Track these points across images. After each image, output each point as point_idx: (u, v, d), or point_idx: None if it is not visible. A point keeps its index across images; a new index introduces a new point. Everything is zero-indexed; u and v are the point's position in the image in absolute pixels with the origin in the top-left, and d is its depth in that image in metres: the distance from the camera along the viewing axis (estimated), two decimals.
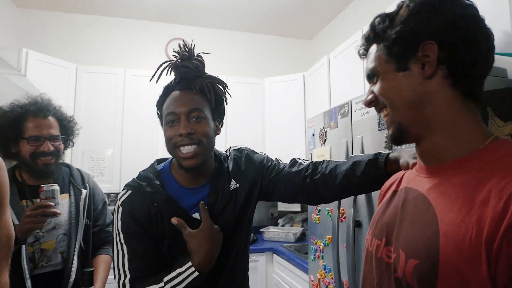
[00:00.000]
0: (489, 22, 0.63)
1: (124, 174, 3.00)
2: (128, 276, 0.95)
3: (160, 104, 1.06)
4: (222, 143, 3.21)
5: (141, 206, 0.99)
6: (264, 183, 1.13)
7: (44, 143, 1.38)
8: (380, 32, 0.68)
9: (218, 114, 1.09)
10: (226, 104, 1.12)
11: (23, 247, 1.30)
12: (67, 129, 1.50)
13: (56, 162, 1.44)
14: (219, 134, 1.10)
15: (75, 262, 1.40)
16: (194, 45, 1.05)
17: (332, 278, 1.67)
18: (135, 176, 1.07)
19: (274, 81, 3.42)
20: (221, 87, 1.08)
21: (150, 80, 1.06)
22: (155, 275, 0.95)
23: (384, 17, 0.68)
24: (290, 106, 3.31)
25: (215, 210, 1.04)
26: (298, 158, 1.16)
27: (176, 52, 1.03)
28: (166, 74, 1.05)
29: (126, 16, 3.48)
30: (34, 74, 2.66)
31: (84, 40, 3.39)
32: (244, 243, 1.12)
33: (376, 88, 0.69)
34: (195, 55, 1.04)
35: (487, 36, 0.61)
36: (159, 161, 1.15)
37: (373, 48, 0.70)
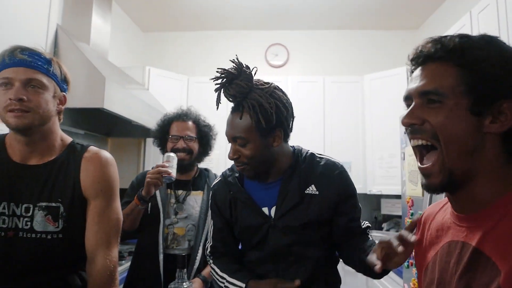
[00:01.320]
0: None
1: None
2: (211, 243, 1.25)
3: None
4: (321, 145, 3.21)
5: (222, 191, 1.21)
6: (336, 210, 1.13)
7: (180, 141, 1.67)
8: (471, 58, 0.59)
9: (270, 127, 1.06)
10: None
11: (160, 228, 1.57)
12: (202, 132, 1.75)
13: (190, 159, 1.68)
14: (278, 144, 1.10)
15: (200, 251, 1.61)
16: (247, 67, 1.07)
17: None
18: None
19: (374, 78, 3.26)
20: (269, 101, 1.05)
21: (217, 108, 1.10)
22: (228, 262, 1.19)
23: (477, 43, 0.60)
24: (392, 102, 3.10)
25: (283, 209, 1.10)
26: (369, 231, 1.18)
27: (224, 70, 1.06)
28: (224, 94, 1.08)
29: (228, 28, 3.79)
30: (155, 87, 3.14)
31: (193, 54, 3.83)
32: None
33: (435, 117, 0.61)
34: (243, 69, 1.06)
35: None
36: None
37: (447, 68, 0.61)
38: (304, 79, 3.43)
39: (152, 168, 1.59)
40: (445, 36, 0.63)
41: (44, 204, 0.99)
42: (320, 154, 1.19)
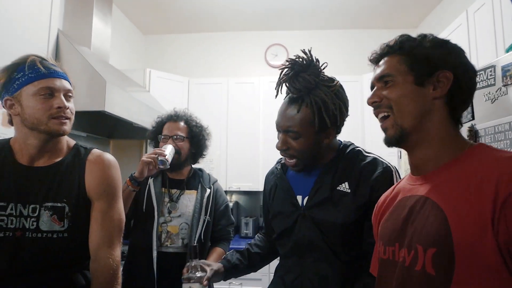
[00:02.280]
0: None
1: (230, 173, 3.29)
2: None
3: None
4: None
5: (270, 176, 1.30)
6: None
7: (169, 140, 1.70)
8: (407, 47, 0.79)
9: (325, 125, 1.05)
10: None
11: (155, 225, 1.60)
12: (193, 133, 1.78)
13: (179, 158, 1.70)
14: (329, 140, 1.10)
15: None
16: (318, 61, 1.06)
17: None
18: None
19: None
20: (335, 102, 1.05)
21: (276, 96, 1.12)
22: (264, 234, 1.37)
23: (412, 37, 0.81)
24: None
25: (313, 201, 1.10)
26: None
27: (297, 56, 1.05)
28: (280, 87, 1.09)
29: (227, 30, 3.81)
30: (155, 89, 3.17)
31: (194, 55, 3.86)
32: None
33: (388, 92, 0.79)
34: (313, 60, 1.05)
35: (475, 83, 0.78)
36: None
37: (393, 57, 0.80)
38: None
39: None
40: (394, 38, 0.84)
41: (50, 204, 1.02)
42: (369, 152, 1.13)
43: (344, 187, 1.06)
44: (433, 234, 0.66)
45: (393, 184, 0.99)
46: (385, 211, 0.88)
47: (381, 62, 0.83)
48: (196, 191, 1.74)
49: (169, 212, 1.67)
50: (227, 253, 1.37)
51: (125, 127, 2.64)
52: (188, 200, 1.71)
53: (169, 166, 1.56)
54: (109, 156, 1.15)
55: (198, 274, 1.14)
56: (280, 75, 1.08)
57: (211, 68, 3.83)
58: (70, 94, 1.08)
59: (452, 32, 2.30)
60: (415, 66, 0.77)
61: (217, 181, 1.86)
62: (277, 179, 1.22)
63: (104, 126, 2.64)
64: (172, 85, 3.34)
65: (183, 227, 1.67)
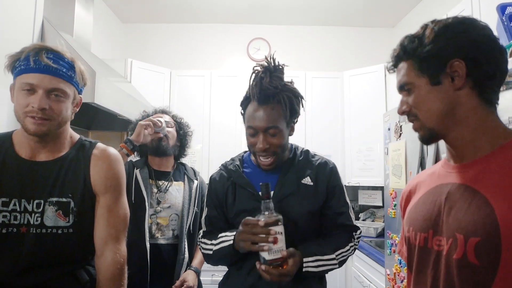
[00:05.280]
0: None
1: (212, 167, 3.28)
2: (204, 228, 1.30)
3: (244, 106, 1.22)
4: (302, 139, 3.30)
5: (221, 179, 1.28)
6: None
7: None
8: (410, 51, 0.78)
9: (292, 119, 1.22)
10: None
11: (146, 217, 1.59)
12: (180, 124, 1.84)
13: (167, 143, 1.72)
14: (292, 134, 1.24)
15: (185, 240, 1.66)
16: (281, 64, 1.16)
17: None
18: None
19: (353, 74, 3.37)
20: (297, 100, 1.18)
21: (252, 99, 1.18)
22: (215, 233, 1.24)
23: (412, 37, 0.79)
24: (370, 98, 3.24)
25: (280, 194, 1.18)
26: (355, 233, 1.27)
27: (260, 65, 1.15)
28: (254, 85, 1.15)
29: (210, 21, 3.77)
30: (137, 80, 3.10)
31: (176, 47, 3.79)
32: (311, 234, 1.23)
33: (411, 99, 0.79)
34: (278, 64, 1.16)
35: (502, 51, 0.73)
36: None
37: (403, 64, 0.80)
38: (286, 74, 3.46)
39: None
40: (397, 45, 0.83)
41: (55, 199, 1.00)
42: (314, 153, 1.31)
43: (307, 180, 1.21)
44: (476, 223, 0.65)
45: (340, 177, 1.27)
46: (410, 196, 0.89)
47: (397, 69, 0.84)
48: (182, 182, 1.76)
49: (158, 203, 1.67)
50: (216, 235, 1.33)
51: (106, 119, 2.57)
52: (177, 191, 1.72)
53: (165, 133, 1.62)
54: (114, 151, 1.14)
55: (275, 214, 1.04)
56: (252, 78, 1.15)
57: (193, 60, 3.78)
58: (58, 94, 0.99)
59: None
60: (423, 67, 0.76)
61: (200, 173, 1.91)
62: (235, 179, 1.24)
63: (84, 117, 2.55)
64: (153, 76, 3.28)
65: (173, 218, 1.68)
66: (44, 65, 0.97)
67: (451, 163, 0.80)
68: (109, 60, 2.95)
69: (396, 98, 2.97)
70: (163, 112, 1.83)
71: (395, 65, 0.84)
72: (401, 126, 1.78)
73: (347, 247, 1.21)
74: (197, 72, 3.45)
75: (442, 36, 0.73)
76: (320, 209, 1.23)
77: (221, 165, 1.34)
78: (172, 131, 1.75)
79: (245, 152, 1.35)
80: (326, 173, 1.24)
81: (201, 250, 1.28)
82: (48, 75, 0.97)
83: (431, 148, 1.51)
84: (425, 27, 0.77)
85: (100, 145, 1.13)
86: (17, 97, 0.98)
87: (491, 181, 0.67)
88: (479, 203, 0.66)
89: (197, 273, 1.69)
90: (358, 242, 1.27)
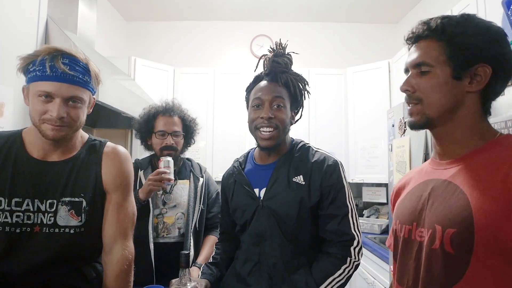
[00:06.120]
0: None
1: (216, 163, 3.30)
2: (222, 219, 1.42)
3: (249, 90, 1.27)
4: (305, 136, 3.30)
5: (228, 174, 1.35)
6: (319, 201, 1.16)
7: (168, 137, 1.67)
8: (449, 33, 0.74)
9: (296, 105, 1.25)
10: (304, 99, 1.25)
11: (150, 218, 1.60)
12: (188, 127, 1.78)
13: (176, 155, 1.71)
14: (293, 124, 1.26)
15: (191, 238, 1.66)
16: (287, 44, 1.22)
17: None
18: None
19: (357, 70, 3.36)
20: (302, 84, 1.24)
21: (255, 70, 1.29)
22: (219, 252, 1.37)
23: (453, 21, 0.75)
24: (374, 95, 3.23)
25: (271, 192, 1.18)
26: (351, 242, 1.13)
27: (271, 48, 1.21)
28: (264, 68, 1.24)
29: (213, 19, 3.77)
30: (141, 78, 3.11)
31: (180, 44, 3.79)
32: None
33: (422, 82, 0.77)
34: (286, 53, 1.21)
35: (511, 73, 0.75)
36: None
37: (431, 43, 0.76)
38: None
39: (145, 171, 1.67)
40: (431, 18, 0.78)
41: (67, 199, 1.02)
42: (318, 149, 1.25)
43: (299, 179, 1.17)
44: (453, 215, 0.69)
45: (341, 176, 1.17)
46: (400, 192, 0.92)
47: (418, 45, 0.79)
48: (188, 180, 1.75)
49: (164, 204, 1.68)
50: (202, 268, 1.36)
51: (110, 116, 2.57)
52: (182, 189, 1.72)
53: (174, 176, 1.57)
54: (123, 149, 1.16)
55: (189, 285, 1.07)
56: (262, 59, 1.23)
57: (197, 57, 3.78)
58: (75, 100, 0.99)
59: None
60: (455, 57, 0.73)
61: (206, 169, 1.89)
62: (235, 176, 1.28)
63: (89, 115, 2.56)
64: (157, 74, 3.28)
65: (179, 217, 1.69)
66: (61, 72, 0.96)
67: (437, 160, 0.82)
68: (112, 58, 2.96)
69: (398, 97, 2.97)
70: (172, 110, 1.73)
71: (419, 38, 0.79)
72: (405, 123, 1.77)
73: (340, 272, 1.09)
74: (200, 70, 3.45)
75: (484, 34, 0.73)
76: (314, 210, 1.16)
77: (234, 161, 1.39)
78: (180, 140, 1.72)
79: (252, 148, 1.36)
80: (322, 171, 1.16)
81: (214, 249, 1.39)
82: (65, 83, 0.97)
83: None
84: (466, 18, 0.75)
85: (110, 144, 1.15)
86: (33, 102, 0.98)
87: (471, 177, 0.70)
88: (458, 197, 0.70)
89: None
90: (360, 255, 1.12)
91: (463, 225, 0.66)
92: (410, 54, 0.81)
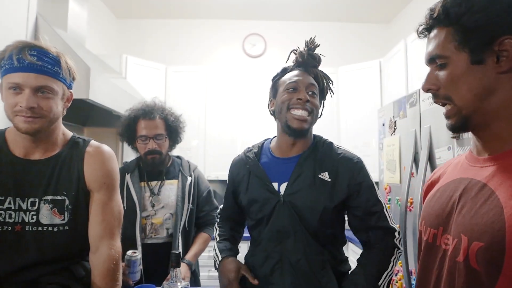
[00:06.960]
0: None
1: (208, 162, 3.29)
2: (223, 205, 1.39)
3: (277, 78, 1.26)
4: None
5: (239, 164, 1.29)
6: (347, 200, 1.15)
7: (150, 142, 1.64)
8: (453, 16, 0.65)
9: (321, 100, 1.25)
10: (325, 98, 1.27)
11: (138, 219, 1.59)
12: (171, 128, 1.74)
13: (161, 158, 1.69)
14: (319, 116, 1.25)
15: (179, 238, 1.66)
16: (319, 44, 1.26)
17: (400, 265, 1.68)
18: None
19: (349, 70, 3.38)
20: (328, 81, 1.26)
21: (286, 62, 1.29)
22: (228, 229, 1.35)
23: (458, 0, 0.65)
24: (365, 94, 3.25)
25: (294, 187, 1.14)
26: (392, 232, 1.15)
27: (306, 42, 1.24)
28: (298, 59, 1.25)
29: (206, 17, 3.76)
30: (132, 76, 3.09)
31: (172, 42, 3.78)
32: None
33: (443, 77, 0.68)
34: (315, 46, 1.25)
35: None
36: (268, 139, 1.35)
37: (440, 31, 0.68)
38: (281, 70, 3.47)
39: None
40: (438, 3, 0.69)
41: (49, 197, 1.01)
42: (339, 146, 1.24)
43: (325, 176, 1.13)
44: (483, 227, 0.59)
45: (367, 173, 1.15)
46: (432, 186, 0.82)
47: (431, 36, 0.71)
48: (176, 180, 1.73)
49: (153, 206, 1.66)
50: (218, 246, 1.30)
51: (101, 115, 2.55)
52: (170, 190, 1.70)
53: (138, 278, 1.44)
54: (107, 148, 1.14)
55: (179, 285, 1.07)
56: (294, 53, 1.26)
57: (189, 55, 3.77)
58: (45, 91, 0.97)
59: None
60: (467, 40, 0.63)
61: (197, 167, 1.86)
62: (250, 167, 1.22)
63: (79, 114, 2.54)
64: (149, 72, 3.26)
65: (167, 217, 1.68)
66: (28, 63, 0.95)
67: (474, 155, 0.71)
68: (104, 56, 2.94)
69: (389, 96, 2.99)
70: (152, 113, 1.67)
71: (429, 29, 0.71)
72: (395, 122, 1.79)
73: (391, 265, 1.12)
74: (192, 68, 3.44)
75: (497, 5, 0.61)
76: (343, 208, 1.16)
77: (244, 150, 1.33)
78: (164, 143, 1.69)
79: (266, 140, 1.33)
80: (348, 168, 1.14)
81: (214, 231, 1.37)
82: (33, 73, 0.96)
83: (425, 143, 1.53)
84: None
85: (93, 142, 1.14)
86: (6, 96, 0.98)
87: (508, 180, 0.59)
88: (491, 205, 0.59)
89: (190, 265, 1.70)
90: (401, 244, 1.15)
91: (493, 240, 0.56)
92: (426, 48, 0.73)
